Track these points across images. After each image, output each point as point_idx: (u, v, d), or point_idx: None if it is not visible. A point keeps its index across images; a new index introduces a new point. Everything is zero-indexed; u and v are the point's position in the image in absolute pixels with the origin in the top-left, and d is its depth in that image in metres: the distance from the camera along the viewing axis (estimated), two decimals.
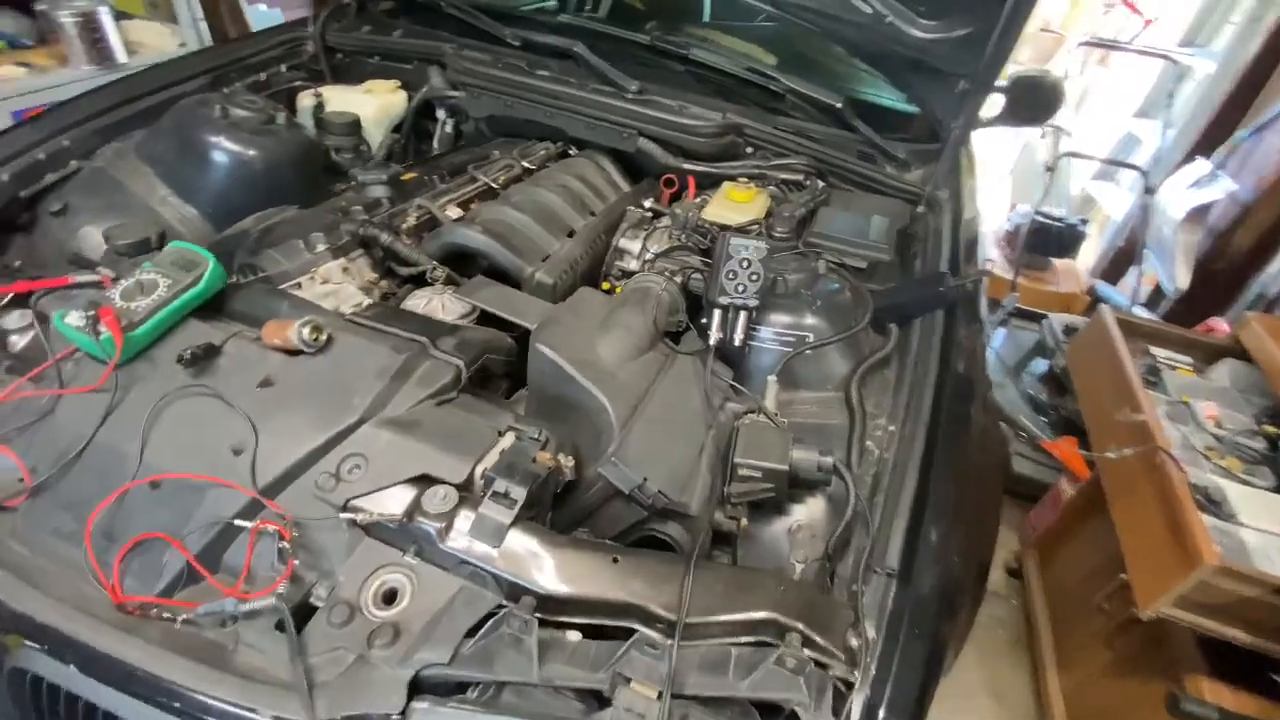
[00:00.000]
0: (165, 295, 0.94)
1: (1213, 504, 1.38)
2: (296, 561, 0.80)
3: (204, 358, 0.91)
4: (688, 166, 1.71)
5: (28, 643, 0.73)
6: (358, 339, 0.96)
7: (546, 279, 1.24)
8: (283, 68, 2.00)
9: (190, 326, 0.97)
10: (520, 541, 0.81)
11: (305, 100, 1.89)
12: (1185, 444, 1.55)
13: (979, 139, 2.18)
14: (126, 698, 0.71)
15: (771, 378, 1.12)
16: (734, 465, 0.98)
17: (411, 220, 1.33)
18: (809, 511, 1.09)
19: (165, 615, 0.76)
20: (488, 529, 0.81)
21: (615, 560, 0.82)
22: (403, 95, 1.96)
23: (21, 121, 1.49)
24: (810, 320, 1.21)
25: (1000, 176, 4.74)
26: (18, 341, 0.98)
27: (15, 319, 0.98)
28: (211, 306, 1.02)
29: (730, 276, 1.08)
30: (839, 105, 1.70)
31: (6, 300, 1.01)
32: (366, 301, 1.16)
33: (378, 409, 0.90)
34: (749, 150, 1.77)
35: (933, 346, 1.19)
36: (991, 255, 4.18)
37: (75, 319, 0.88)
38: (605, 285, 1.48)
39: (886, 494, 0.98)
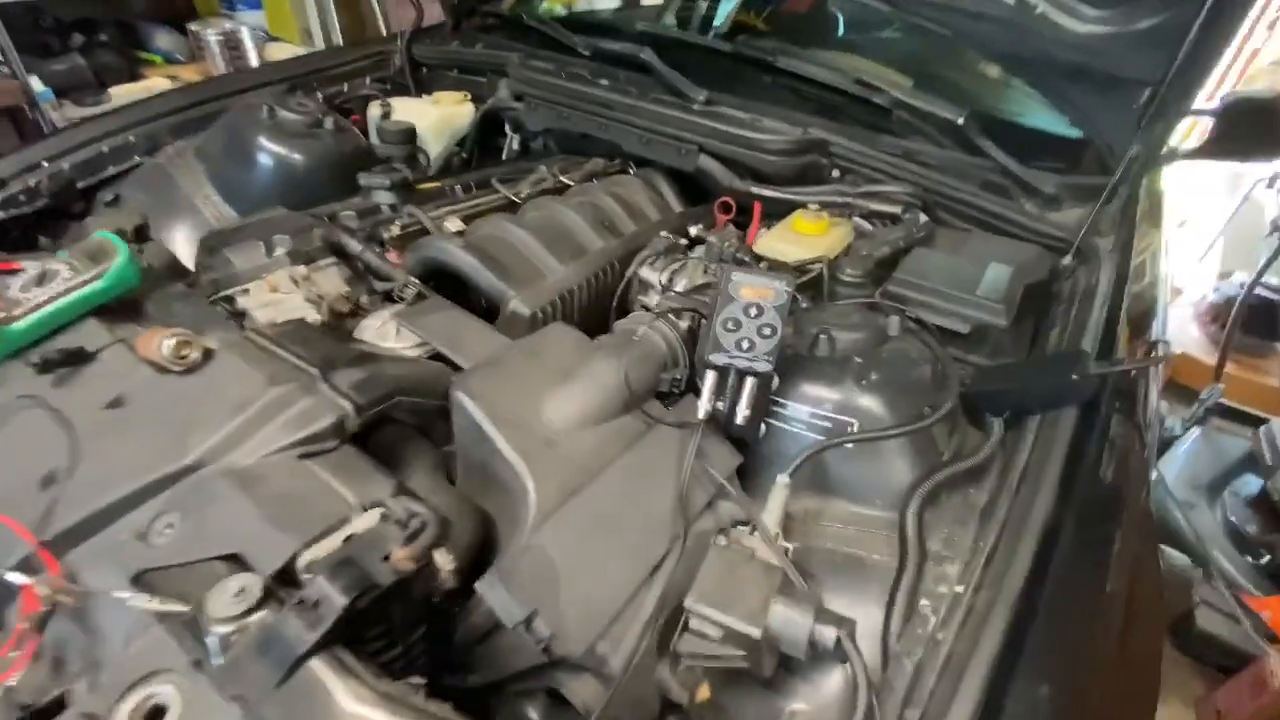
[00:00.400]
0: (59, 289, 0.82)
1: None
2: (49, 644, 0.60)
3: (66, 364, 0.77)
4: (754, 190, 1.41)
5: None
6: (238, 361, 0.78)
7: (523, 310, 1.00)
8: (367, 80, 2.00)
9: (87, 328, 0.84)
10: (314, 683, 0.56)
11: (373, 110, 1.85)
12: None
13: (1175, 179, 1.65)
14: None
15: (783, 478, 0.78)
16: (685, 611, 0.65)
17: (396, 229, 1.16)
18: (815, 693, 0.72)
19: None
20: (275, 653, 0.56)
21: None
22: (469, 107, 1.86)
23: (90, 117, 1.55)
24: (862, 399, 0.84)
25: (1208, 234, 3.81)
26: None
27: None
28: (128, 309, 0.90)
29: (730, 327, 0.76)
30: (960, 121, 1.31)
31: None
32: (311, 317, 0.99)
33: (223, 452, 0.70)
34: (834, 174, 1.42)
35: (1051, 460, 0.77)
36: (1188, 333, 3.31)
37: None
38: None
39: (933, 696, 0.60)
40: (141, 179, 1.53)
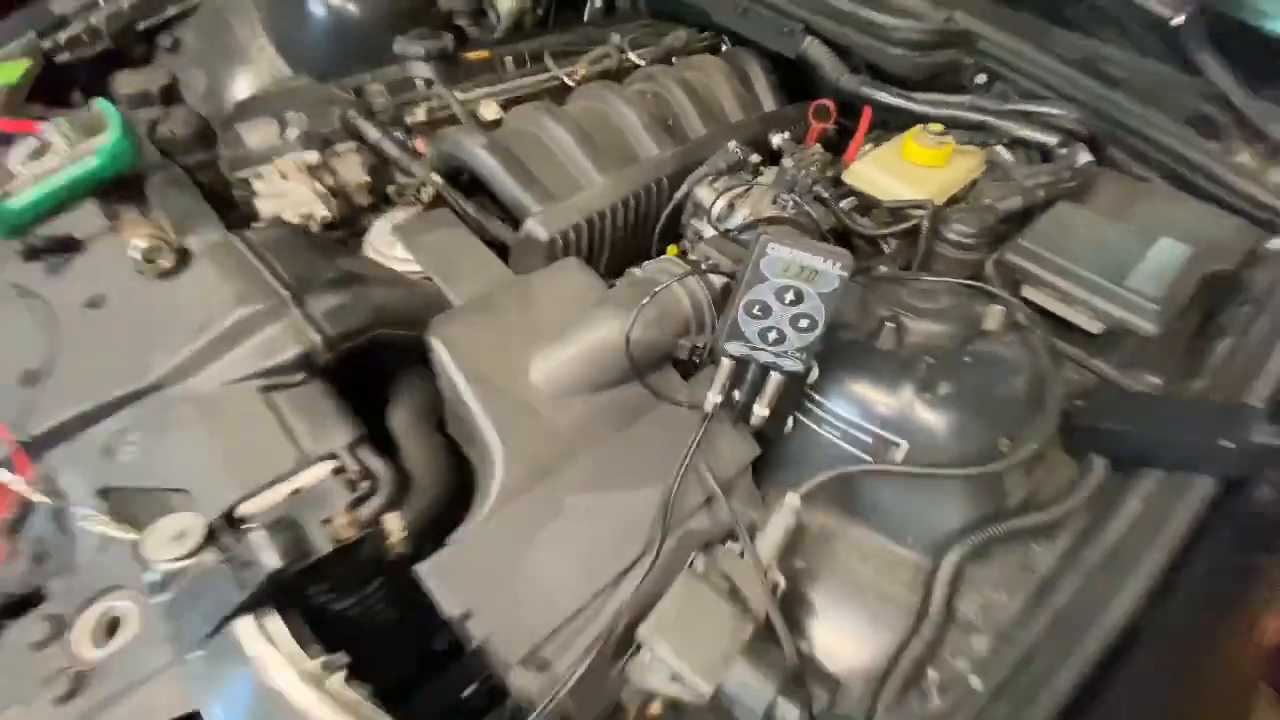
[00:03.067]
0: (54, 164, 0.77)
1: None
2: (29, 542, 0.62)
3: (55, 253, 0.74)
4: (866, 91, 1.11)
5: None
6: (213, 271, 0.71)
7: (540, 232, 0.85)
8: None
9: (85, 210, 0.80)
10: (237, 641, 0.54)
11: None
12: None
13: None
14: None
15: (793, 498, 0.64)
16: (637, 637, 0.57)
17: (421, 114, 1.02)
18: None
19: None
20: (204, 607, 0.55)
21: None
22: None
23: None
24: (924, 414, 0.67)
25: None
26: None
27: None
28: (131, 189, 0.84)
29: (757, 313, 0.60)
30: (1178, 20, 0.93)
31: None
32: (320, 214, 0.90)
33: (185, 375, 0.66)
34: (979, 80, 1.09)
35: (1159, 542, 0.58)
36: None
37: None
38: (672, 250, 1.04)
39: None
40: (200, 24, 1.45)
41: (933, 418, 0.66)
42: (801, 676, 0.55)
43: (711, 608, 0.56)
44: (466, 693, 0.79)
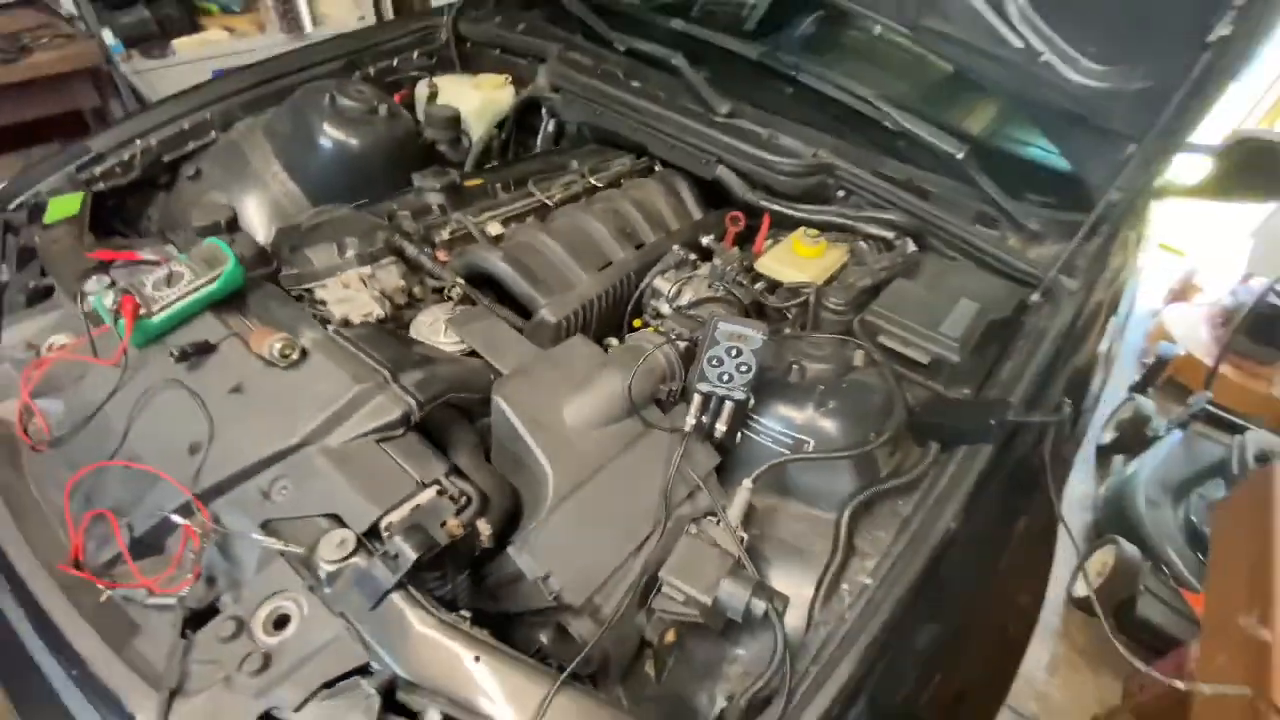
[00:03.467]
0: (185, 289, 1.03)
1: None
2: (206, 568, 0.85)
3: (197, 355, 0.99)
4: (764, 203, 1.55)
5: None
6: (327, 361, 0.99)
7: (550, 317, 1.19)
8: (414, 54, 2.12)
9: (204, 321, 1.06)
10: (395, 609, 0.80)
11: (421, 89, 1.99)
12: None
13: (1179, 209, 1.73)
14: (41, 645, 0.81)
15: (747, 482, 0.98)
16: (659, 579, 0.88)
17: (446, 234, 1.34)
18: (754, 644, 0.96)
19: (98, 585, 0.85)
20: (367, 587, 0.80)
21: (477, 659, 0.77)
22: (509, 91, 1.99)
23: (174, 94, 1.72)
24: (822, 422, 1.04)
25: (1240, 236, 3.78)
26: (90, 303, 1.14)
27: (93, 283, 1.14)
28: (234, 301, 1.11)
29: (714, 363, 0.95)
30: (960, 156, 1.42)
31: (95, 265, 1.18)
32: (377, 313, 1.19)
33: (320, 435, 0.93)
34: (839, 194, 1.55)
35: (958, 489, 0.96)
36: (1197, 334, 3.37)
37: (108, 300, 1.00)
38: (638, 323, 1.39)
39: (826, 662, 0.82)
40: (218, 154, 1.72)
41: (827, 423, 1.03)
42: (764, 586, 0.87)
43: (704, 553, 0.88)
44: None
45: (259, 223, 1.66)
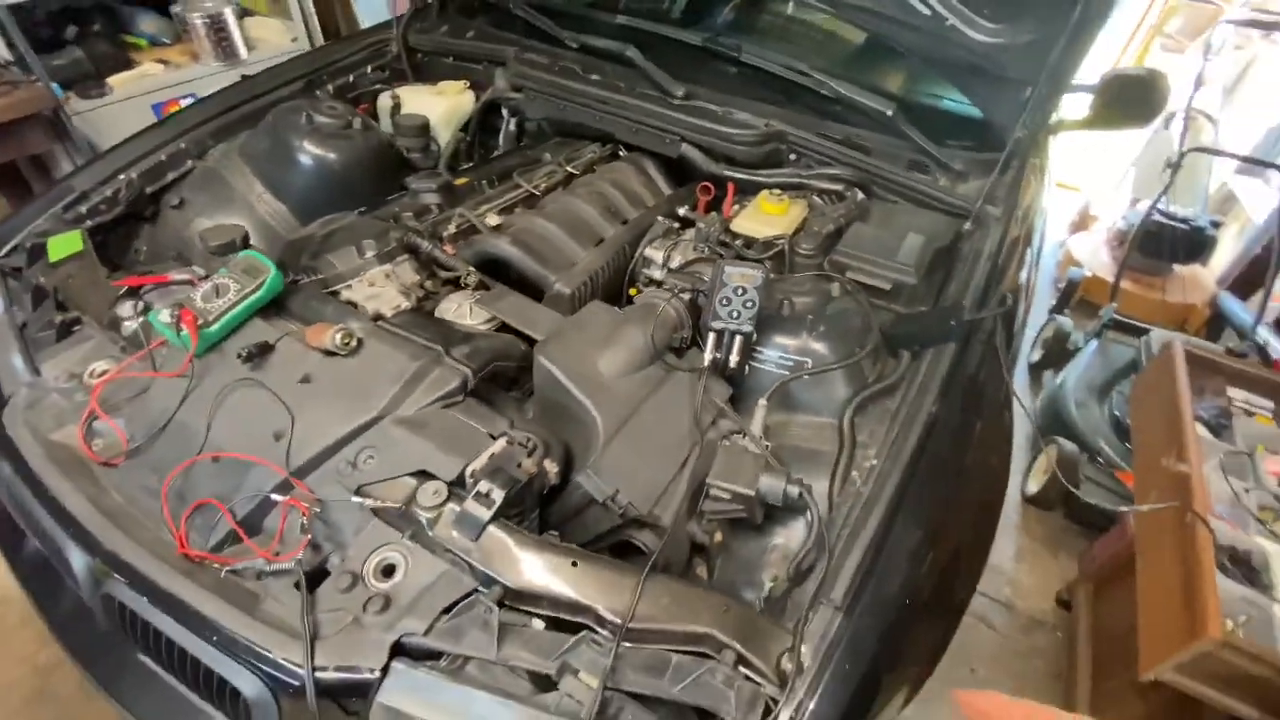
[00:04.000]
0: (234, 299, 1.12)
1: (1249, 570, 1.26)
2: (312, 535, 0.96)
3: (259, 354, 1.08)
4: (728, 173, 1.73)
5: (115, 575, 0.93)
6: (382, 345, 1.10)
7: (565, 290, 1.33)
8: (368, 69, 2.19)
9: (254, 325, 1.15)
10: (496, 537, 0.93)
11: (384, 101, 2.07)
12: (1235, 502, 1.41)
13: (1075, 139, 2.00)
14: (179, 626, 0.90)
15: (762, 401, 1.16)
16: (707, 485, 1.04)
17: (452, 228, 1.46)
18: (787, 533, 1.13)
19: (214, 566, 0.94)
20: (468, 524, 0.93)
21: (574, 564, 0.91)
22: (470, 96, 2.09)
23: (146, 128, 1.75)
24: (814, 345, 1.23)
25: (1124, 167, 4.26)
26: (129, 326, 1.20)
27: (127, 308, 1.21)
28: (273, 305, 1.20)
29: (724, 303, 1.12)
30: (889, 114, 1.64)
31: (122, 292, 1.23)
32: (404, 304, 1.30)
33: (393, 408, 1.04)
34: (792, 158, 1.75)
35: (933, 381, 1.17)
36: (1099, 257, 3.80)
37: (165, 316, 1.08)
38: (633, 291, 1.55)
39: (853, 527, 1.01)
40: (199, 182, 1.76)
41: (818, 345, 1.22)
42: (793, 478, 1.04)
43: (740, 457, 1.05)
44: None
45: (254, 241, 1.72)
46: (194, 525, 0.99)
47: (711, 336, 1.15)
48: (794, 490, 1.01)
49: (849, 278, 1.41)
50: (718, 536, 1.10)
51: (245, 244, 1.37)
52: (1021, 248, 1.64)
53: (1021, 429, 3.04)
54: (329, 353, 1.09)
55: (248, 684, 0.86)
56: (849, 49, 1.98)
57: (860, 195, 1.64)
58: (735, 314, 1.13)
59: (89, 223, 1.58)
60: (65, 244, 1.43)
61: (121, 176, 1.63)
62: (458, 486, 0.99)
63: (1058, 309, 3.59)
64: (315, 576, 0.95)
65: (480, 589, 0.91)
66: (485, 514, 0.93)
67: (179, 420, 1.05)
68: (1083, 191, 4.62)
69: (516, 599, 0.90)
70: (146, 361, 1.14)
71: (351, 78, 2.14)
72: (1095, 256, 3.83)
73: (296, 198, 1.76)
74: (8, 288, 1.40)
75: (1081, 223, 4.28)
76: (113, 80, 2.42)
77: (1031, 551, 2.56)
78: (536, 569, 0.91)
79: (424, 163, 2.03)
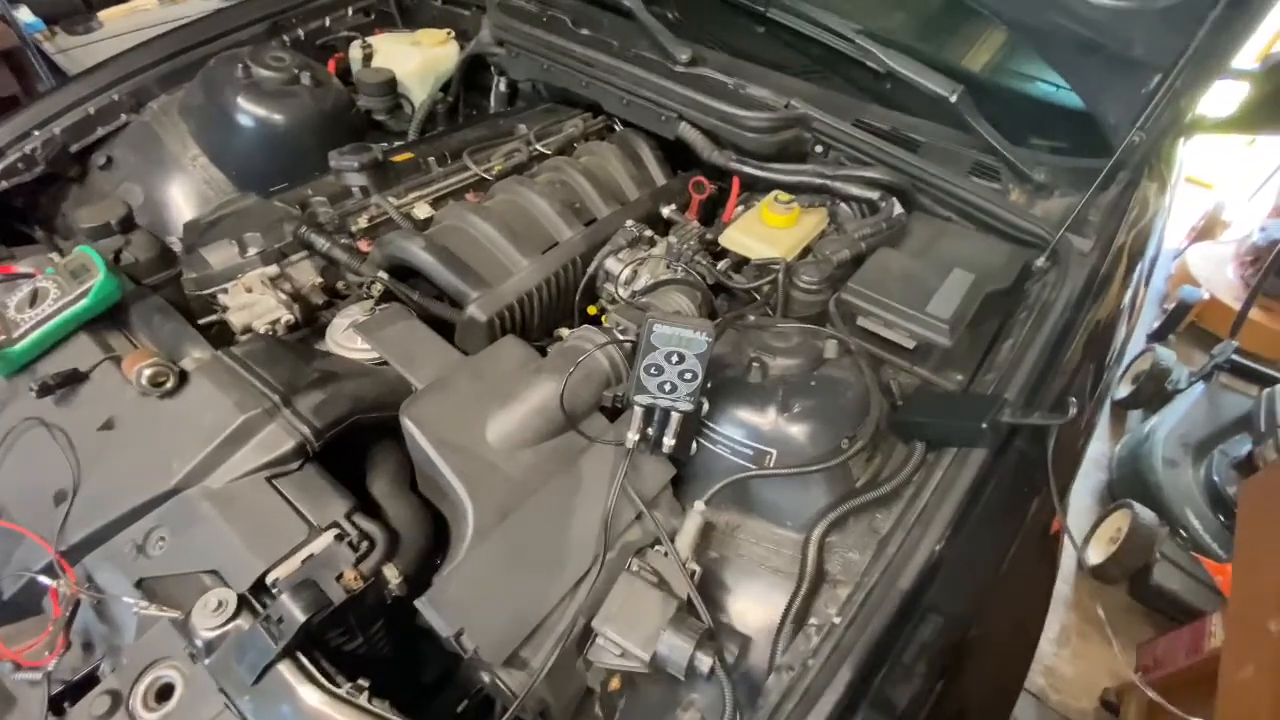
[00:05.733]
0: (50, 309, 0.90)
1: None
2: (76, 635, 0.75)
3: (61, 385, 0.86)
4: (733, 165, 1.37)
5: None
6: (210, 386, 0.86)
7: (480, 315, 1.04)
8: (349, 10, 1.91)
9: (78, 342, 0.93)
10: (282, 683, 0.69)
11: (355, 51, 1.79)
12: None
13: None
14: None
15: (699, 504, 0.86)
16: (591, 629, 0.76)
17: (363, 221, 1.19)
18: (711, 690, 0.84)
19: None
20: (248, 660, 0.69)
21: None
22: (453, 48, 1.79)
23: (75, 75, 1.55)
24: (787, 429, 0.90)
25: (1271, 166, 3.49)
26: None
27: None
28: (116, 315, 0.97)
29: (653, 372, 0.81)
30: (953, 98, 1.23)
31: None
32: (285, 318, 1.06)
33: (201, 476, 0.81)
34: (817, 150, 1.37)
35: (944, 504, 0.82)
36: (1223, 274, 3.14)
37: None
38: (592, 310, 1.25)
39: (791, 713, 0.71)
40: (130, 139, 1.55)
41: (792, 429, 0.89)
42: (714, 635, 0.75)
43: (644, 596, 0.76)
44: (461, 707, 0.96)
45: (186, 213, 1.51)
46: None
47: (636, 411, 0.85)
48: (704, 663, 0.71)
49: (858, 325, 1.06)
50: (614, 684, 0.83)
51: (128, 225, 1.15)
52: (1127, 261, 1.22)
53: (1091, 478, 2.57)
54: (144, 391, 0.86)
55: None
56: (909, 10, 1.53)
57: (898, 208, 1.25)
58: (668, 386, 0.82)
59: (3, 184, 1.42)
60: None
61: (38, 133, 1.44)
62: (262, 595, 0.75)
63: (1159, 335, 3.01)
64: (82, 685, 0.75)
65: None
66: (272, 649, 0.69)
67: None
68: (1214, 190, 3.85)
69: None
70: None
71: (328, 20, 1.87)
72: (1218, 274, 3.17)
73: (236, 165, 1.53)
74: None
75: (1207, 229, 3.56)
76: (104, 15, 2.26)
77: (1080, 633, 2.16)
78: None
79: (394, 126, 1.76)
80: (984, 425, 0.82)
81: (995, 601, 0.82)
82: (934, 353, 1.04)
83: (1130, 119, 1.17)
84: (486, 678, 0.83)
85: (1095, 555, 2.26)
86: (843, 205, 1.30)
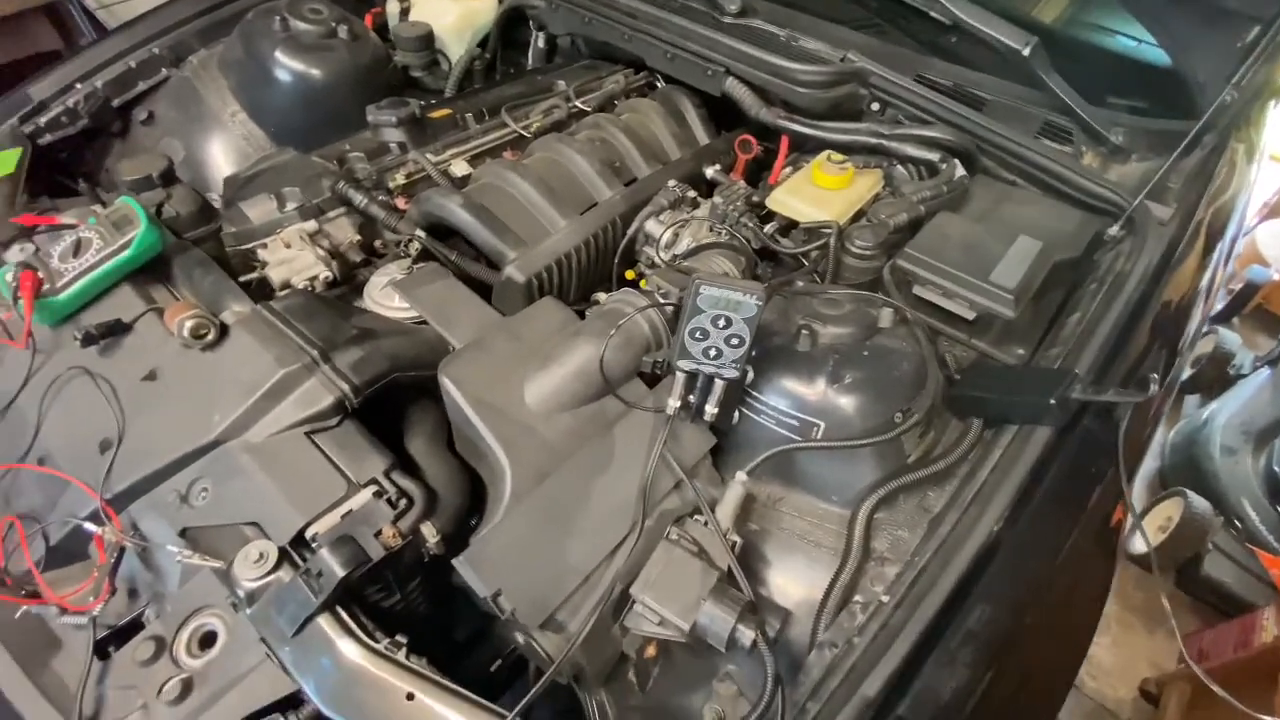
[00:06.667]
0: (94, 260, 0.90)
1: None
2: (130, 579, 0.77)
3: (107, 336, 0.87)
4: (781, 122, 1.30)
5: None
6: (250, 339, 0.85)
7: (518, 276, 1.01)
8: None
9: (123, 293, 0.93)
10: (321, 636, 0.69)
11: (392, 5, 1.75)
12: None
13: None
14: None
15: (741, 475, 0.82)
16: (630, 596, 0.74)
17: (401, 178, 1.16)
18: (750, 662, 0.82)
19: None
20: (288, 612, 0.70)
21: (410, 697, 0.66)
22: (491, 1, 1.73)
23: (116, 28, 1.54)
24: (836, 400, 0.85)
25: None
26: None
27: (15, 252, 1.02)
28: (156, 269, 0.97)
29: (698, 336, 0.77)
30: (1026, 51, 1.13)
31: (15, 233, 1.05)
32: (324, 275, 1.04)
33: (241, 429, 0.80)
34: (874, 107, 1.29)
35: (1009, 481, 0.78)
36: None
37: (9, 276, 0.88)
38: (630, 274, 1.21)
39: (833, 697, 0.68)
40: (171, 94, 1.55)
41: (841, 401, 0.85)
42: (756, 608, 0.73)
43: (684, 565, 0.74)
44: (494, 667, 0.96)
45: (226, 169, 1.51)
46: (14, 538, 0.82)
47: (678, 377, 0.81)
48: (746, 636, 0.69)
49: (915, 294, 1.00)
50: (650, 651, 0.81)
51: (168, 179, 1.15)
52: (1205, 240, 1.13)
53: (1144, 463, 2.46)
54: (186, 344, 0.85)
55: None
56: None
57: (960, 170, 1.18)
58: (713, 352, 0.78)
59: (48, 137, 1.43)
60: (2, 163, 1.28)
61: (80, 86, 1.45)
62: (301, 549, 0.75)
63: (1223, 317, 2.84)
64: (127, 630, 0.76)
65: (300, 697, 0.69)
66: (312, 602, 0.69)
67: (18, 407, 0.87)
68: None
69: None
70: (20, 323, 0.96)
71: None
72: None
73: (274, 120, 1.52)
74: None
75: (1278, 205, 3.32)
76: None
77: (1122, 621, 2.09)
78: (361, 694, 0.67)
79: (430, 82, 1.72)
80: (1052, 401, 0.77)
81: (1050, 593, 0.78)
82: (995, 325, 0.97)
83: (1223, 77, 1.07)
84: (520, 639, 0.83)
85: (1143, 542, 2.17)
86: (898, 167, 1.23)
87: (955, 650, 0.69)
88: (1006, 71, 1.23)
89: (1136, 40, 1.30)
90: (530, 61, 1.82)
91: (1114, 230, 1.09)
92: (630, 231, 1.15)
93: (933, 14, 1.23)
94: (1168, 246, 1.04)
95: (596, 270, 1.16)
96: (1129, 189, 1.11)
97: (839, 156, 1.16)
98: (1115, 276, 0.99)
